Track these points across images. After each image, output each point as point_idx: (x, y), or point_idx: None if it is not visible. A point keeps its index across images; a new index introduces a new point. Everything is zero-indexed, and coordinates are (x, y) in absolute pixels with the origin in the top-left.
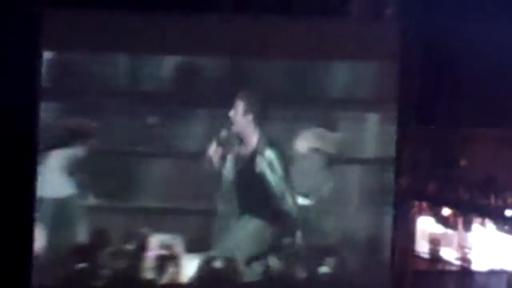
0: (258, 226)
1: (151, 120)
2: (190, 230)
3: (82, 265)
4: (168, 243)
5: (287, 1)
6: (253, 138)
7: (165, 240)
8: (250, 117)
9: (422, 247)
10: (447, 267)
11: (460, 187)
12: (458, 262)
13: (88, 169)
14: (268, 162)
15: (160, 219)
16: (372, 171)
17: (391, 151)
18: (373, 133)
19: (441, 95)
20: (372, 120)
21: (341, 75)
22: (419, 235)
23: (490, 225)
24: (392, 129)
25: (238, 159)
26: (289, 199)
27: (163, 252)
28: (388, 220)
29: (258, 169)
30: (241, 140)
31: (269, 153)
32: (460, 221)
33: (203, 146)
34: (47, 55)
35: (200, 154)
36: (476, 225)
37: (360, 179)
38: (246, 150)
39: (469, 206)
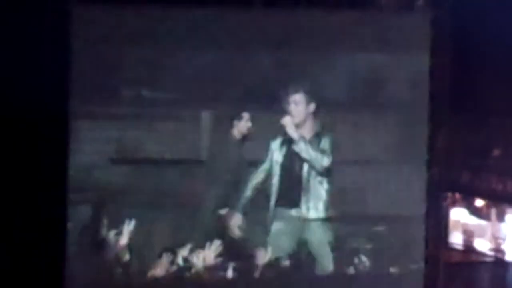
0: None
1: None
2: None
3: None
4: None
5: None
6: (309, 128)
7: None
8: (311, 107)
9: (456, 239)
10: (481, 258)
11: (493, 177)
12: (491, 253)
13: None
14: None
15: None
16: (404, 162)
17: (423, 143)
18: (405, 124)
19: (473, 85)
20: (404, 110)
21: (372, 66)
22: (452, 226)
23: None
24: (424, 120)
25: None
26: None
27: None
28: (421, 212)
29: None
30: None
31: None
32: (493, 211)
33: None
34: (77, 52)
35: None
36: (509, 216)
37: (393, 170)
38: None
39: (503, 197)
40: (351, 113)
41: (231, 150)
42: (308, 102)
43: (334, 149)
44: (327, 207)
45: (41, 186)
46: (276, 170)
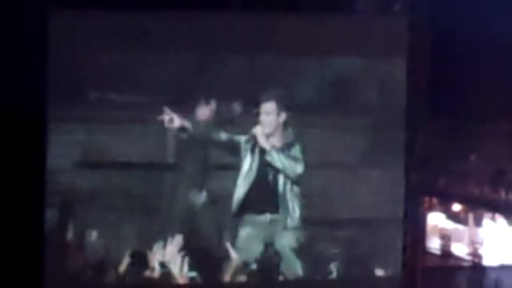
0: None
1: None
2: None
3: None
4: None
5: None
6: (280, 137)
7: None
8: (282, 116)
9: (433, 243)
10: (458, 263)
11: (471, 182)
12: (469, 258)
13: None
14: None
15: None
16: (381, 166)
17: (400, 147)
18: (382, 129)
19: (451, 90)
20: (382, 115)
21: (349, 70)
22: (429, 231)
23: (500, 220)
24: (401, 124)
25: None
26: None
27: None
28: (398, 216)
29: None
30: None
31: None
32: (470, 216)
33: None
34: (54, 55)
35: None
36: (486, 220)
37: (370, 174)
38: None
39: (480, 201)
40: (327, 118)
41: (198, 153)
42: (279, 112)
43: (311, 154)
44: (301, 212)
45: (15, 190)
46: (248, 178)
